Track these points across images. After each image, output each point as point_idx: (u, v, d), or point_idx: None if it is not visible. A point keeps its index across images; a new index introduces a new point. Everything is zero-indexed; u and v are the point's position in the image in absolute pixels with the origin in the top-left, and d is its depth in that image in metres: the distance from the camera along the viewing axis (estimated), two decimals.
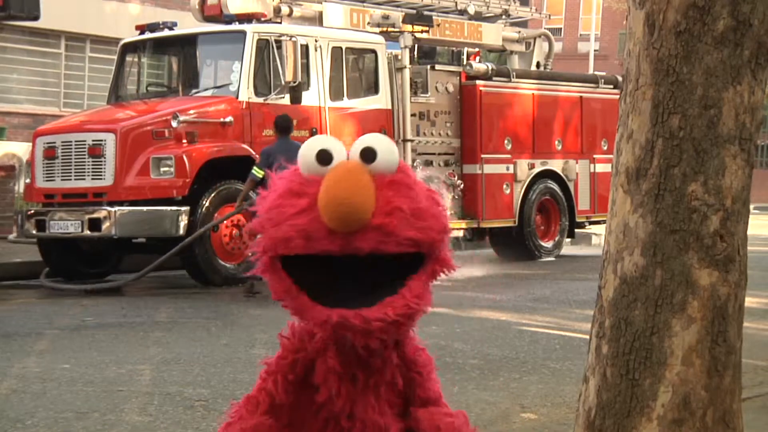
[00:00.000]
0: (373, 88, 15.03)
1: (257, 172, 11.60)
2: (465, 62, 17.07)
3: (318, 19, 15.17)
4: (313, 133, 13.87)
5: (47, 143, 13.26)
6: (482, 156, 16.03)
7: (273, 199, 2.49)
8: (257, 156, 13.15)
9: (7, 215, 16.63)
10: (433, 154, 15.73)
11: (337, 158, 2.46)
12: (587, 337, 3.53)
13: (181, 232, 12.39)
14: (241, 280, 12.20)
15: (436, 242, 2.47)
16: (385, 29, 15.27)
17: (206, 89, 14.26)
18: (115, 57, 15.16)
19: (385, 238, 2.40)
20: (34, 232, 13.12)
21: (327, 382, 2.55)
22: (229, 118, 13.21)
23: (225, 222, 12.77)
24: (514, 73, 16.75)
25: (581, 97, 17.56)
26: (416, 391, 2.62)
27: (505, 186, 16.25)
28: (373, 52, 15.06)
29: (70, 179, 13.01)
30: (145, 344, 8.37)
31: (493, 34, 17.76)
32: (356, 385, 2.54)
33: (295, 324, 2.63)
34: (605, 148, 17.53)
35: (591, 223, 17.95)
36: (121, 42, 15.23)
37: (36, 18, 14.52)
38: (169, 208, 12.50)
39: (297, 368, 2.60)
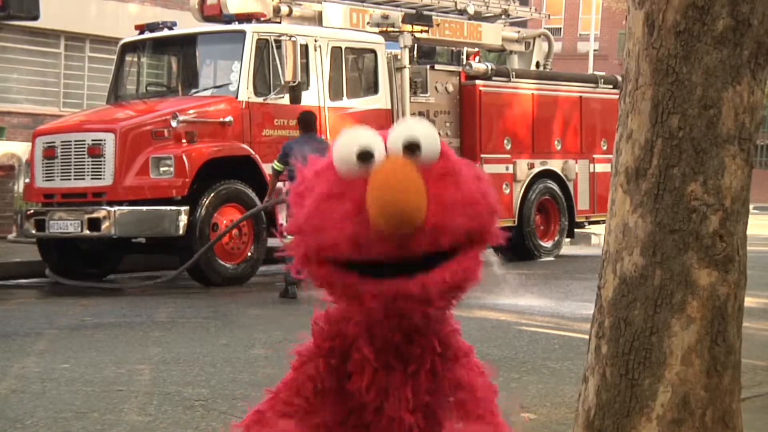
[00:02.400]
0: (373, 88, 15.03)
1: (278, 166, 11.61)
2: (464, 62, 17.09)
3: (317, 19, 15.17)
4: None
5: (47, 143, 13.26)
6: (482, 156, 16.02)
7: (312, 203, 2.32)
8: (257, 156, 13.19)
9: (6, 215, 16.63)
10: None
11: (378, 154, 2.29)
12: (587, 337, 3.53)
13: (181, 231, 12.39)
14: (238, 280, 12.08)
15: (487, 225, 2.35)
16: (384, 29, 15.28)
17: (206, 89, 14.26)
18: (115, 57, 15.17)
19: (439, 236, 2.26)
20: (33, 231, 13.12)
21: (361, 372, 2.42)
22: (228, 118, 13.21)
23: (225, 222, 12.77)
24: (514, 73, 16.75)
25: (581, 97, 17.57)
26: (447, 374, 2.49)
27: (504, 186, 16.24)
28: (373, 51, 15.06)
29: (70, 179, 13.01)
30: (145, 344, 8.36)
31: (492, 34, 17.76)
32: (392, 376, 2.42)
33: (330, 309, 2.49)
34: (605, 148, 17.53)
35: (590, 222, 17.95)
36: (121, 42, 15.23)
37: (36, 18, 14.52)
38: (168, 207, 12.50)
39: (335, 355, 2.47)
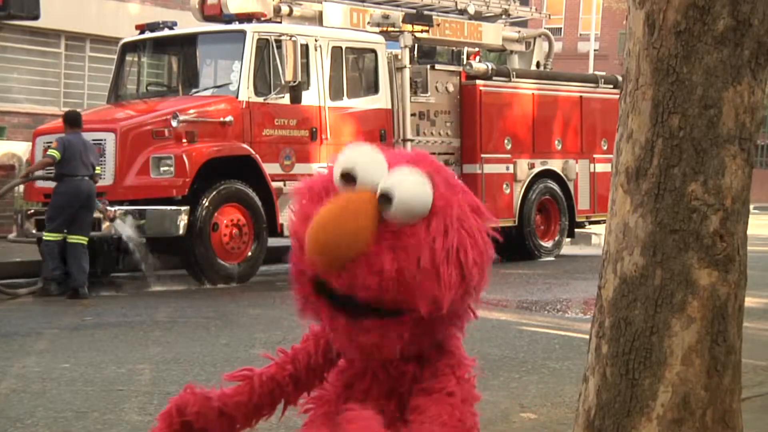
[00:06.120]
0: (373, 88, 15.03)
1: (57, 154, 11.78)
2: (465, 62, 17.09)
3: (318, 19, 15.18)
4: (312, 133, 13.89)
5: (47, 143, 13.25)
6: (482, 156, 16.03)
7: (302, 187, 2.36)
8: (257, 156, 13.19)
9: (6, 215, 16.62)
10: (433, 153, 15.67)
11: (361, 182, 2.24)
12: (587, 337, 3.53)
13: (181, 231, 12.40)
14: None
15: (422, 307, 2.25)
16: (385, 29, 15.29)
17: (206, 89, 14.26)
18: (115, 56, 15.17)
19: (354, 291, 2.24)
20: (33, 231, 13.13)
21: (352, 367, 2.49)
22: (228, 118, 13.21)
23: (225, 221, 12.78)
24: (514, 73, 16.75)
25: (581, 96, 17.57)
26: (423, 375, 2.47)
27: (504, 186, 16.24)
28: (373, 51, 15.06)
29: None
30: (145, 344, 8.37)
31: (493, 34, 17.76)
32: (378, 387, 2.44)
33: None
34: (605, 147, 17.54)
35: (591, 222, 17.96)
36: (121, 41, 15.24)
37: (36, 17, 14.50)
38: (168, 207, 12.50)
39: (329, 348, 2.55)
